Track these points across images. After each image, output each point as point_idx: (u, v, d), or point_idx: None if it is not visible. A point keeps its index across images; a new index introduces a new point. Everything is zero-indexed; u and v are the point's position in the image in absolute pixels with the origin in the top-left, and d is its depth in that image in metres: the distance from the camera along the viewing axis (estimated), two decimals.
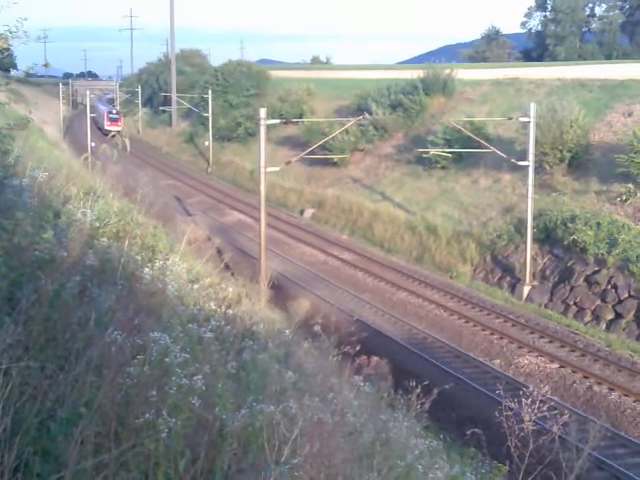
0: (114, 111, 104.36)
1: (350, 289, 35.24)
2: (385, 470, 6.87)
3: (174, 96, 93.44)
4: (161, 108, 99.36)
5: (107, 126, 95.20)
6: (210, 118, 74.28)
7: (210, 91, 76.38)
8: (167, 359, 6.44)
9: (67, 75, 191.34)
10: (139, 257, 10.87)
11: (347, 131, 51.91)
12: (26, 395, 5.25)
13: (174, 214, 40.42)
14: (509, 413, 7.68)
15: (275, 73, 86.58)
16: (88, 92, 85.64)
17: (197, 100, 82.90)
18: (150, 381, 6.16)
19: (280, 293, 29.96)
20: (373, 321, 30.80)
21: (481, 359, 27.21)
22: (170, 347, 6.63)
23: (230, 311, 12.38)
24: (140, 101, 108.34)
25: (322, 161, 53.06)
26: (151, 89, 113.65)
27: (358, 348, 10.19)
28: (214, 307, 11.71)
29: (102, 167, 16.10)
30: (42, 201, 10.21)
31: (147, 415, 5.72)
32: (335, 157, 52.03)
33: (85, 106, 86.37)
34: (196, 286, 12.43)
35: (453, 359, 27.36)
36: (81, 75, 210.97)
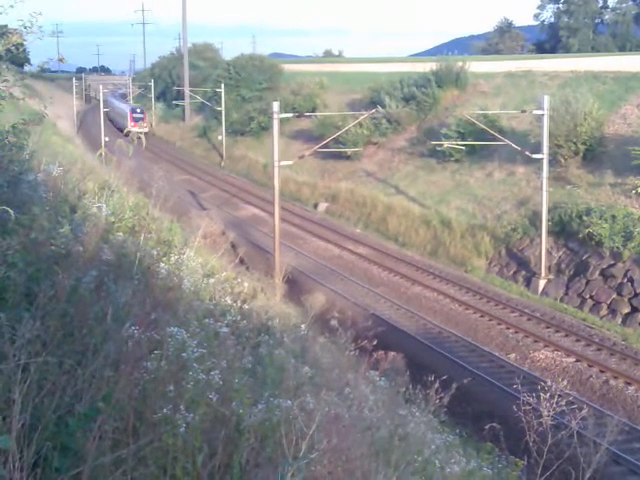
0: (138, 110, 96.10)
1: (365, 283, 35.21)
2: (402, 465, 6.85)
3: (187, 90, 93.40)
4: (174, 102, 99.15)
5: (131, 127, 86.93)
6: (223, 112, 74.27)
7: (223, 85, 76.36)
8: (184, 354, 6.44)
9: (80, 70, 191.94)
10: (155, 252, 10.87)
11: (360, 124, 51.82)
12: (44, 390, 5.25)
13: (189, 208, 40.47)
14: (527, 408, 7.64)
15: (287, 67, 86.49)
16: (101, 87, 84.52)
17: (210, 94, 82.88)
18: (167, 376, 6.17)
19: (295, 288, 29.97)
20: (389, 315, 30.76)
21: (496, 353, 27.14)
22: (187, 342, 6.63)
23: (246, 306, 12.40)
24: (153, 95, 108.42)
25: (335, 155, 53.01)
26: (164, 83, 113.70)
27: (375, 343, 10.17)
28: (230, 302, 11.72)
29: (117, 162, 16.12)
30: (57, 196, 10.23)
31: (165, 410, 5.73)
32: (348, 150, 51.97)
33: (98, 101, 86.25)
34: (211, 281, 12.43)
35: (468, 353, 27.30)
36: (94, 70, 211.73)
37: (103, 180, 16.64)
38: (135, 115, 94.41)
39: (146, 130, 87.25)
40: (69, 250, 7.79)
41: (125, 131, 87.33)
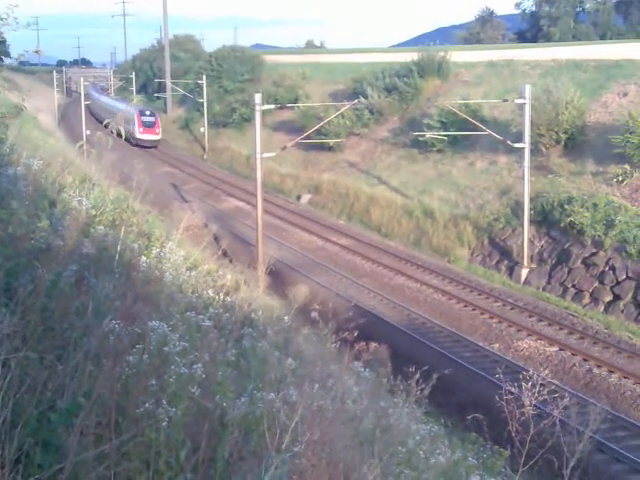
0: (147, 112, 79.72)
1: (348, 274, 35.22)
2: (386, 456, 6.85)
3: (169, 82, 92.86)
4: (156, 95, 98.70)
5: (140, 134, 76.79)
6: (205, 104, 74.07)
7: (204, 77, 76.15)
8: (166, 348, 6.40)
9: (61, 63, 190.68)
10: (136, 245, 10.82)
11: (342, 115, 51.79)
12: (25, 386, 5.21)
13: (170, 201, 40.31)
14: (509, 397, 7.65)
15: (269, 58, 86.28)
16: (82, 79, 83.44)
17: (192, 86, 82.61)
18: (149, 370, 6.13)
19: (278, 279, 29.94)
20: (372, 306, 30.79)
21: (480, 343, 27.23)
22: (169, 336, 6.59)
23: (228, 298, 12.34)
24: (134, 88, 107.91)
25: (318, 146, 52.98)
26: (145, 76, 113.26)
27: (356, 334, 10.16)
28: (212, 294, 11.68)
29: (97, 155, 16.03)
30: (37, 190, 10.16)
31: (147, 404, 5.69)
32: (331, 142, 51.98)
33: (79, 94, 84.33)
34: (194, 273, 12.39)
35: (453, 343, 27.37)
36: (75, 63, 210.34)
37: (84, 173, 16.55)
38: (145, 119, 78.43)
39: (158, 137, 78.27)
40: (49, 244, 7.73)
41: (134, 140, 75.07)
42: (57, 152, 22.64)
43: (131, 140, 75.90)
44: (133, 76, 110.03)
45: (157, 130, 79.14)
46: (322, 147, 53.88)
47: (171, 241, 14.09)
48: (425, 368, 9.13)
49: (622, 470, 18.93)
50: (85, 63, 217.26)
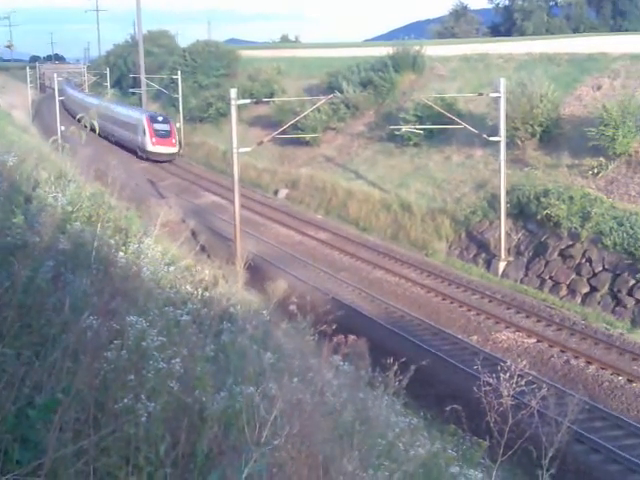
0: (160, 117, 67.59)
1: (327, 269, 35.25)
2: (366, 448, 6.86)
3: (143, 78, 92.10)
4: (130, 90, 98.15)
5: (152, 146, 64.73)
6: (180, 99, 73.80)
7: (179, 72, 75.85)
8: (144, 343, 6.38)
9: (34, 58, 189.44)
10: (113, 241, 10.77)
11: (318, 110, 51.76)
12: (3, 383, 5.17)
13: (147, 197, 40.15)
14: (488, 388, 7.69)
15: (244, 53, 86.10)
16: (56, 75, 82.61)
17: (167, 81, 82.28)
18: (128, 365, 6.11)
19: (257, 274, 29.90)
20: (351, 300, 30.84)
21: (459, 336, 27.34)
22: (147, 331, 6.58)
23: (207, 293, 12.31)
24: (109, 83, 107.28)
25: (295, 140, 52.91)
26: (119, 71, 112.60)
27: (334, 327, 10.17)
28: (191, 290, 11.64)
29: (72, 150, 15.93)
30: (12, 186, 10.08)
31: (126, 400, 5.67)
32: (307, 136, 51.95)
33: (53, 90, 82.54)
34: (172, 269, 12.33)
35: (431, 336, 27.47)
36: (48, 58, 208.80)
37: (59, 169, 16.45)
38: (158, 127, 64.81)
39: (176, 150, 66.07)
40: (25, 240, 7.68)
41: (144, 153, 65.70)
42: (32, 148, 22.48)
43: (139, 153, 66.79)
44: (107, 72, 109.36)
45: (173, 140, 64.93)
46: (299, 142, 53.83)
47: (149, 237, 14.02)
48: (403, 360, 9.15)
49: (600, 460, 19.10)
50: (58, 59, 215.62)
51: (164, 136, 65.35)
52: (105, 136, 70.61)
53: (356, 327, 19.22)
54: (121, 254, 10.00)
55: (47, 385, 5.57)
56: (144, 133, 65.27)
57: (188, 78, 79.45)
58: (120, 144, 72.00)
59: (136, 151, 67.94)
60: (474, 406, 8.40)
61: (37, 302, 6.68)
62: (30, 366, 5.67)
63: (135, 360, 6.23)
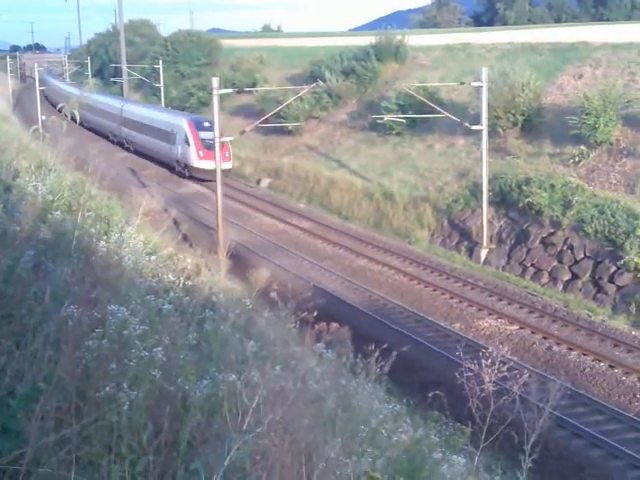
0: (207, 123, 50.32)
1: (309, 257, 35.24)
2: (349, 435, 6.88)
3: (124, 67, 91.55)
4: (112, 79, 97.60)
5: (199, 159, 50.95)
6: (162, 89, 73.49)
7: (161, 61, 75.50)
8: (126, 332, 6.36)
9: (14, 48, 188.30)
10: (94, 230, 10.73)
11: (301, 99, 51.68)
12: None
13: (129, 186, 39.97)
14: (469, 374, 7.72)
15: (226, 42, 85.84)
16: (36, 65, 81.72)
17: (148, 71, 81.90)
18: (109, 354, 6.09)
19: (239, 263, 29.87)
20: (334, 289, 30.85)
21: (442, 323, 27.42)
22: (128, 320, 6.56)
23: (189, 282, 12.28)
24: (90, 73, 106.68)
25: (277, 130, 52.84)
26: (101, 61, 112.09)
27: (317, 315, 10.18)
28: (173, 278, 11.61)
29: (53, 140, 15.84)
30: None
31: (108, 388, 5.66)
32: (290, 125, 51.87)
33: (34, 79, 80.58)
34: (154, 258, 12.30)
35: (414, 324, 27.53)
36: (29, 48, 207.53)
37: (40, 159, 16.36)
38: (205, 135, 49.69)
39: (230, 166, 49.83)
40: (5, 230, 7.65)
41: (187, 169, 52.55)
42: (12, 137, 22.33)
43: (179, 169, 53.63)
44: (88, 61, 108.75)
45: (227, 153, 48.48)
46: (281, 131, 53.75)
47: (130, 226, 13.98)
48: (385, 347, 9.17)
49: (582, 445, 19.23)
50: (39, 48, 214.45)
51: (213, 147, 46.71)
52: (124, 144, 65.17)
53: (339, 315, 19.26)
54: (102, 243, 9.97)
55: (28, 374, 5.55)
56: (187, 143, 51.86)
57: (170, 68, 79.18)
58: (147, 155, 60.56)
59: (173, 166, 54.45)
60: (457, 392, 8.45)
61: (18, 291, 6.66)
62: (11, 355, 5.65)
63: (117, 349, 6.21)
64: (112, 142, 67.95)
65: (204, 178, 50.18)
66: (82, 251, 8.99)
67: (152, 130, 58.28)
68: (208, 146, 47.93)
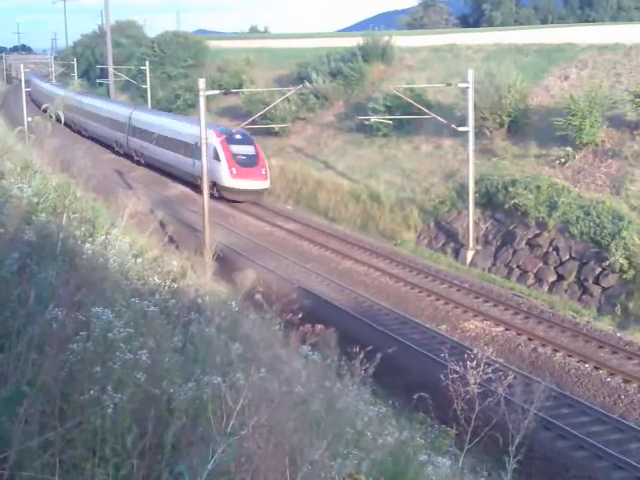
0: (239, 135, 46.15)
1: (296, 259, 35.22)
2: (334, 437, 6.88)
3: (111, 68, 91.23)
4: (98, 81, 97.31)
5: (232, 179, 44.41)
6: (149, 90, 73.29)
7: (147, 63, 75.32)
8: (110, 334, 6.36)
9: (0, 50, 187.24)
10: (79, 232, 10.70)
11: (288, 100, 51.64)
12: None
13: (115, 188, 39.85)
14: (455, 376, 7.74)
15: (213, 43, 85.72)
16: (22, 66, 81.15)
17: (135, 72, 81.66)
18: (94, 357, 6.09)
19: (226, 265, 29.81)
20: (320, 290, 30.83)
21: (428, 325, 27.44)
22: (113, 322, 6.55)
23: (175, 285, 12.28)
24: (76, 74, 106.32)
25: (264, 131, 52.77)
26: (87, 62, 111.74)
27: (303, 317, 10.19)
28: (158, 281, 11.60)
29: (39, 141, 15.79)
30: None
31: (92, 391, 5.66)
32: (276, 127, 51.82)
33: (20, 80, 79.55)
34: (140, 260, 12.28)
35: (400, 326, 27.53)
36: (15, 49, 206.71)
37: (25, 160, 16.30)
38: (238, 149, 45.07)
39: (266, 186, 45.66)
40: None
41: (219, 190, 45.17)
42: None
43: (210, 190, 40.12)
44: (74, 62, 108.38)
45: (263, 171, 44.92)
46: (268, 132, 53.69)
47: (116, 228, 13.96)
48: (369, 348, 9.18)
49: (567, 447, 19.29)
50: (25, 50, 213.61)
51: (249, 163, 45.05)
52: (134, 156, 58.81)
53: (325, 317, 19.25)
54: (87, 245, 9.95)
55: (12, 377, 5.54)
56: (216, 159, 44.19)
57: (156, 69, 78.99)
58: (165, 171, 53.51)
59: (197, 184, 44.21)
60: (443, 394, 8.47)
61: (2, 294, 6.65)
62: None
63: (101, 352, 6.21)
64: (118, 153, 62.75)
65: (237, 200, 45.30)
66: (67, 253, 8.97)
67: (170, 142, 51.48)
68: (242, 162, 44.52)
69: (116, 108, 66.50)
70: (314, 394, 7.84)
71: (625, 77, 39.74)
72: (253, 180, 45.03)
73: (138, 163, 58.48)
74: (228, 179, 44.60)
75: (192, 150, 46.03)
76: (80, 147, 31.84)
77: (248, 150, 45.74)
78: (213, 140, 43.39)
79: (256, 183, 45.12)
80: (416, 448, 9.10)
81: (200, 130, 34.20)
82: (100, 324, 6.49)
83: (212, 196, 42.02)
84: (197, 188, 44.12)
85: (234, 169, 44.33)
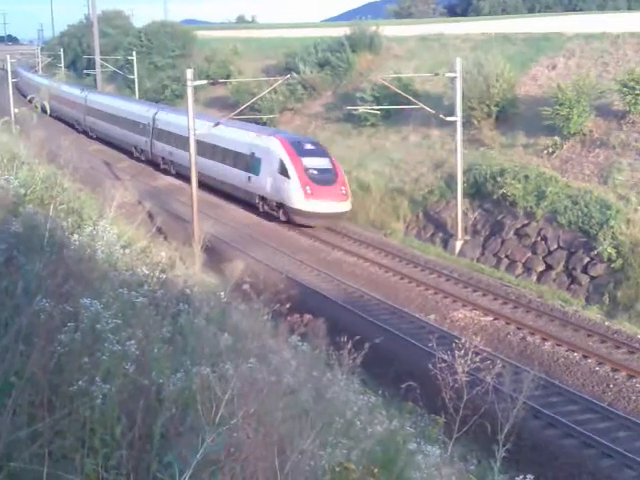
0: (310, 144, 39.68)
1: (285, 250, 35.18)
2: (323, 427, 6.89)
3: (98, 59, 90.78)
4: (85, 71, 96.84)
5: (306, 198, 36.57)
6: (136, 80, 73.06)
7: (134, 53, 75.04)
8: (98, 325, 6.35)
9: None
10: (65, 223, 10.67)
11: (275, 90, 51.56)
12: None
13: (103, 179, 39.71)
14: (443, 365, 7.76)
15: (200, 33, 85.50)
16: (8, 57, 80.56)
17: (122, 62, 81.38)
18: (82, 348, 6.08)
19: (215, 256, 29.76)
20: (309, 281, 30.83)
21: (417, 314, 27.48)
22: (101, 313, 6.54)
23: (164, 275, 12.24)
24: (63, 65, 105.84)
25: (252, 122, 52.70)
26: (74, 52, 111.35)
27: (292, 307, 10.19)
28: (147, 272, 11.57)
29: (25, 132, 15.73)
30: None
31: (80, 382, 5.65)
32: (265, 117, 51.69)
33: (6, 71, 78.45)
34: (128, 251, 12.25)
35: (390, 316, 27.57)
36: (1, 40, 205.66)
37: (11, 152, 16.23)
38: (311, 162, 37.55)
39: (348, 206, 37.77)
40: None
41: (283, 210, 38.24)
42: None
43: (269, 210, 39.31)
44: (61, 53, 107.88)
45: (343, 189, 37.29)
46: (256, 123, 53.60)
47: (104, 219, 13.91)
48: (359, 338, 9.19)
49: (556, 435, 19.37)
50: (12, 40, 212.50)
51: (325, 180, 37.01)
52: (160, 163, 52.98)
53: (315, 308, 19.27)
54: (75, 237, 9.92)
55: (0, 369, 5.52)
56: (283, 174, 37.28)
57: (144, 59, 78.75)
58: (213, 187, 44.76)
59: (253, 203, 40.36)
60: (432, 383, 8.49)
61: None
62: None
63: (89, 343, 6.21)
64: (138, 159, 56.72)
65: (310, 224, 37.91)
66: (54, 244, 8.95)
67: (214, 151, 43.71)
68: (317, 179, 36.60)
69: (135, 107, 59.47)
70: (303, 384, 7.85)
71: (612, 66, 39.81)
72: (332, 201, 36.71)
73: (165, 172, 52.30)
74: (300, 200, 36.54)
75: (250, 163, 40.08)
76: (67, 138, 31.71)
77: (323, 163, 37.77)
78: (277, 150, 37.70)
79: (335, 205, 36.96)
80: (405, 437, 9.12)
81: (187, 120, 34.02)
82: (88, 315, 6.48)
83: (276, 219, 38.56)
84: (255, 209, 40.49)
85: (308, 188, 36.22)
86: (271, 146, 36.93)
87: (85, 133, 69.93)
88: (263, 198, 39.51)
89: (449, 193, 36.91)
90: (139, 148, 56.74)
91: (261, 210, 39.98)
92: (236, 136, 42.85)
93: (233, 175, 42.33)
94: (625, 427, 19.64)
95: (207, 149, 42.35)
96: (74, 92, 72.16)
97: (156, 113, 55.08)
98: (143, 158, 56.58)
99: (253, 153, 38.35)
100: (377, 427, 8.52)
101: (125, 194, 19.74)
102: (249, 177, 40.03)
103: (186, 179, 39.84)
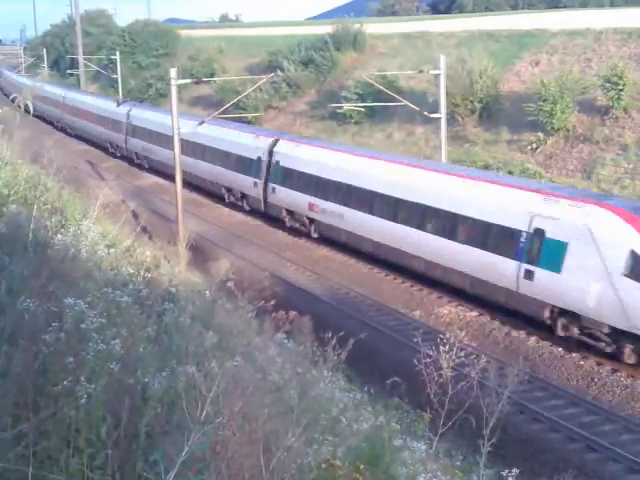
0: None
1: (271, 248, 35.15)
2: (309, 424, 6.90)
3: (81, 58, 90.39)
4: (68, 71, 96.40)
5: None
6: (120, 80, 72.77)
7: (118, 52, 74.78)
8: (83, 325, 6.33)
9: None
10: (49, 223, 10.64)
11: (260, 89, 51.57)
12: None
13: (87, 179, 39.61)
14: (428, 361, 7.78)
15: (184, 32, 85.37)
16: None
17: (105, 62, 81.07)
18: (67, 348, 6.07)
19: (200, 255, 29.72)
20: (295, 279, 30.81)
21: (402, 311, 27.50)
22: (86, 313, 6.53)
23: (149, 274, 12.23)
24: (46, 65, 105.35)
25: (237, 120, 52.63)
26: (57, 52, 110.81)
27: (277, 304, 10.20)
28: (132, 271, 11.56)
29: (8, 132, 15.66)
30: None
31: (65, 382, 5.64)
32: (249, 115, 51.66)
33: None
34: (112, 250, 12.22)
35: (375, 312, 27.56)
36: None
37: None
38: None
39: None
40: None
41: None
42: None
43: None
44: (44, 53, 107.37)
45: None
46: (241, 121, 53.55)
47: (88, 219, 13.88)
48: (343, 335, 9.20)
49: (541, 429, 19.44)
50: None
51: None
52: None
53: (302, 305, 19.27)
54: (59, 237, 9.89)
55: None
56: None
57: (127, 58, 78.53)
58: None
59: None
60: (417, 379, 8.51)
61: None
62: None
63: (74, 342, 6.19)
64: (165, 176, 47.46)
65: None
66: (38, 244, 8.93)
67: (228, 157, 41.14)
68: None
69: (158, 118, 49.71)
70: (289, 381, 7.86)
71: (595, 62, 39.99)
72: None
73: (222, 200, 44.50)
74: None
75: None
76: (50, 138, 31.61)
77: None
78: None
79: None
80: (391, 433, 9.15)
81: (173, 118, 33.92)
82: (72, 315, 6.46)
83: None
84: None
85: None
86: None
87: (64, 130, 70.59)
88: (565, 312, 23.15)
89: None
90: (164, 163, 49.82)
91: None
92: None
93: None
94: (610, 421, 19.71)
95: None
96: (55, 91, 72.57)
97: (130, 110, 55.89)
98: (118, 154, 58.42)
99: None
100: (363, 424, 8.54)
101: (109, 193, 19.72)
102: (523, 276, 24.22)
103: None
